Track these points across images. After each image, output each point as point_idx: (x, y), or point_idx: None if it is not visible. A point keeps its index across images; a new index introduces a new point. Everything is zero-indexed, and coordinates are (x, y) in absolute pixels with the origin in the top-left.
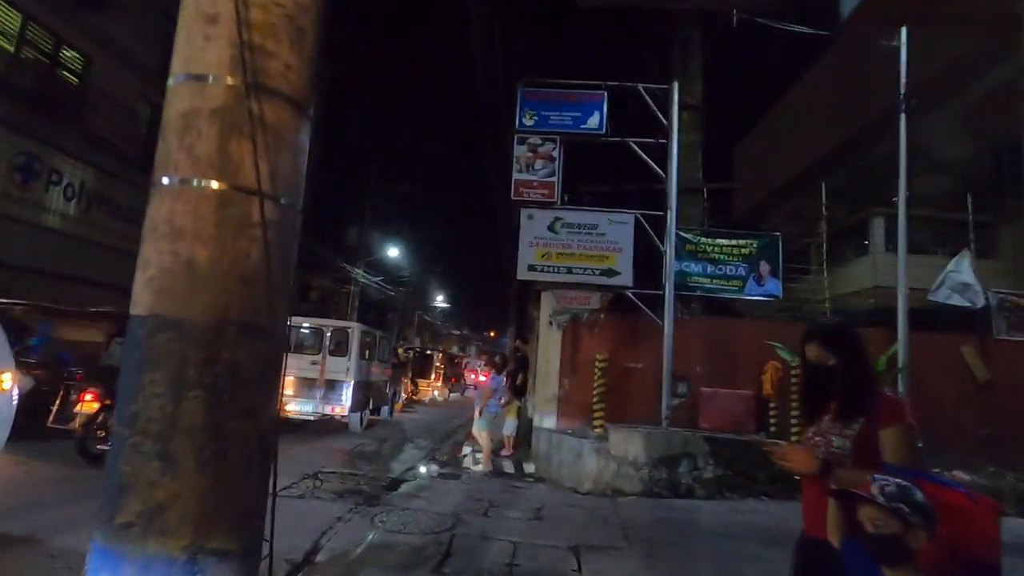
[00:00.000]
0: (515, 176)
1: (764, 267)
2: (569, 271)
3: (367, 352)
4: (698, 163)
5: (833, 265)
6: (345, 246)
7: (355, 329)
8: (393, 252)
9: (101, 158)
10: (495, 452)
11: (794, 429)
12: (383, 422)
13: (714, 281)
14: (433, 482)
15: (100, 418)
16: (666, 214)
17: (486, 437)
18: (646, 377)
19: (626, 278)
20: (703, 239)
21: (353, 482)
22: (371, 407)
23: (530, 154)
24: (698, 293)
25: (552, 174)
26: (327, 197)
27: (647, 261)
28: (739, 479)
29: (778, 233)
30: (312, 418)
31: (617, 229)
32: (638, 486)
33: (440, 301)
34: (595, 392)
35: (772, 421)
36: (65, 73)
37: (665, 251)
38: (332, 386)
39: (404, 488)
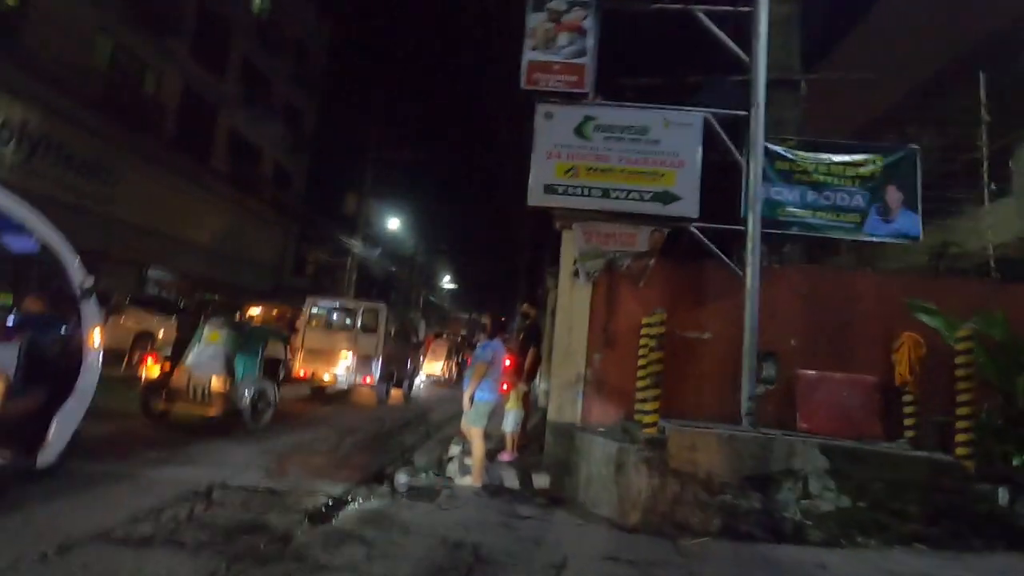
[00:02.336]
0: (527, 55)
1: (893, 195)
2: (605, 194)
3: (393, 331)
4: (795, 46)
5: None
6: (343, 216)
7: (383, 309)
8: (394, 224)
9: (49, 95)
10: (493, 455)
11: (960, 436)
12: (402, 397)
13: (818, 214)
14: (394, 505)
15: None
16: (748, 115)
17: (478, 437)
18: (714, 353)
19: (689, 206)
20: (802, 153)
21: (261, 506)
22: (394, 381)
23: (550, 24)
24: (794, 231)
25: (582, 53)
26: (324, 163)
27: (719, 184)
28: (877, 514)
29: (915, 146)
30: (346, 387)
31: (677, 134)
32: (714, 520)
33: (447, 283)
34: (643, 374)
35: (910, 422)
36: None
37: (747, 169)
38: (364, 360)
39: (341, 519)
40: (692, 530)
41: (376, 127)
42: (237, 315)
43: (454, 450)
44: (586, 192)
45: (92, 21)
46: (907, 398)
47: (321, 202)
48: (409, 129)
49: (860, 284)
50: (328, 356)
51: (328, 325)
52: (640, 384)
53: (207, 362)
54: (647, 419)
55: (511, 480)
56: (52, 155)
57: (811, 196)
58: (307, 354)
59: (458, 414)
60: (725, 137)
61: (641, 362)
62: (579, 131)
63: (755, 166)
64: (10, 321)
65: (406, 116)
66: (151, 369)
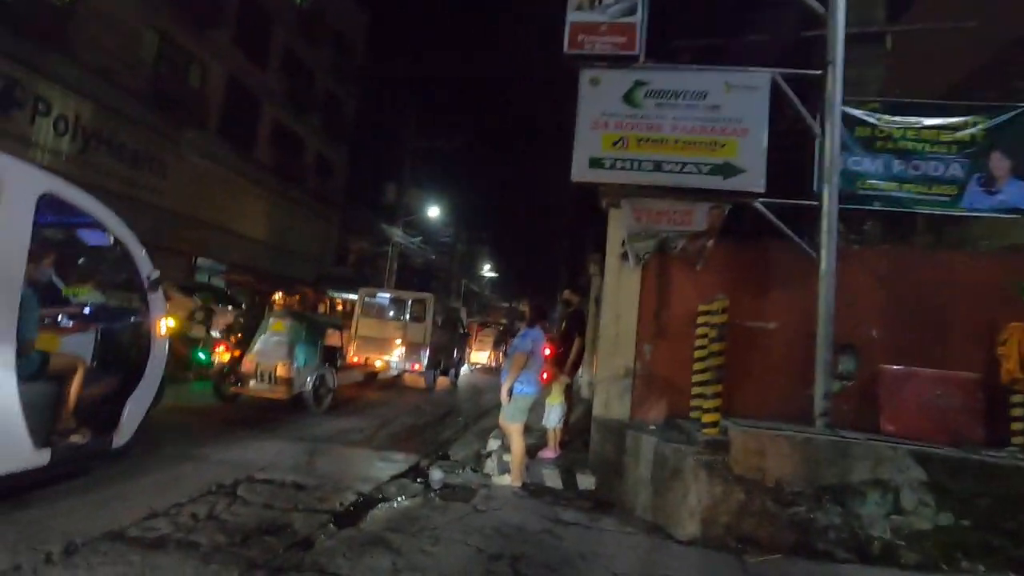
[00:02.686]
0: (570, 16)
1: (999, 162)
2: (657, 167)
3: (439, 320)
4: None
5: None
6: (383, 205)
7: (430, 300)
8: (434, 212)
9: (99, 89)
10: (534, 452)
11: None
12: (449, 384)
13: (905, 187)
14: (427, 506)
15: (230, 366)
16: (824, 74)
17: (517, 433)
18: (781, 345)
19: (753, 179)
20: (886, 117)
21: (286, 503)
22: (441, 368)
23: None
24: (876, 206)
25: (631, 11)
26: (365, 152)
27: (788, 155)
28: (985, 535)
29: None
30: (395, 373)
31: (740, 99)
32: (787, 534)
33: (487, 271)
34: (700, 367)
35: (1020, 426)
36: None
37: (822, 136)
38: (412, 347)
39: (369, 520)
40: (760, 545)
41: (415, 114)
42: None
43: (492, 444)
44: (636, 166)
45: (139, 15)
46: (1017, 398)
47: (362, 192)
48: (449, 116)
49: (957, 266)
50: (380, 344)
51: (379, 315)
52: (698, 379)
53: (273, 350)
54: (707, 418)
55: (553, 480)
56: (104, 147)
57: (897, 166)
58: (360, 342)
59: (500, 403)
60: (796, 100)
61: (698, 354)
62: (628, 98)
63: (831, 132)
64: (86, 311)
65: (445, 103)
66: (222, 356)
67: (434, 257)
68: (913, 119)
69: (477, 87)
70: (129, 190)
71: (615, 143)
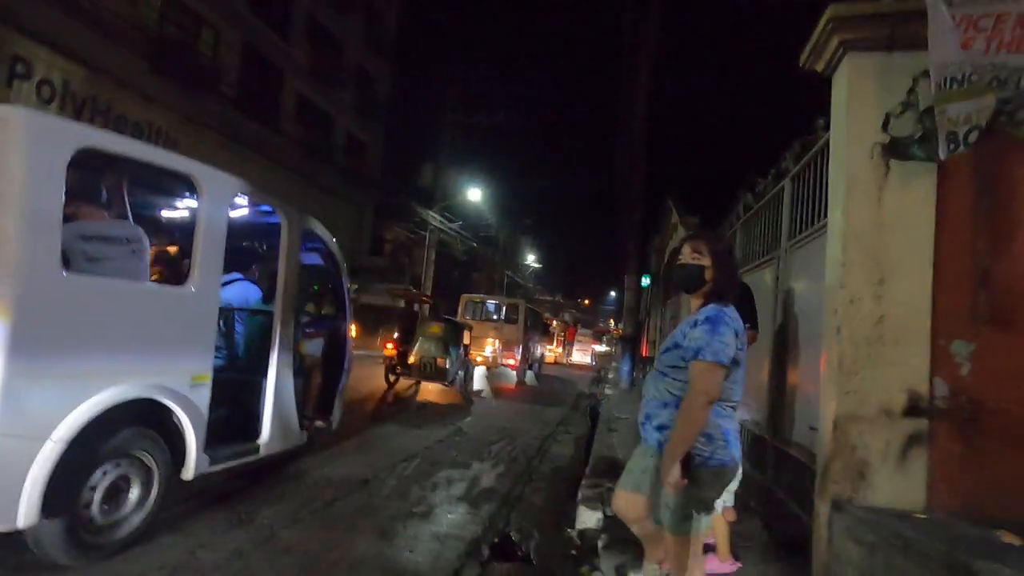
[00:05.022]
0: None
1: None
2: None
3: (528, 321)
4: None
5: None
6: (420, 189)
7: (522, 304)
8: (475, 195)
9: (94, 52)
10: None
11: None
12: (532, 377)
13: None
14: None
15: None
16: None
17: (685, 553)
18: None
19: None
20: None
21: None
22: (529, 363)
23: None
24: None
25: None
26: (400, 132)
27: None
28: None
29: None
30: (493, 367)
31: None
32: None
33: (532, 261)
34: None
35: None
36: None
37: None
38: (507, 345)
39: None
40: None
41: (454, 87)
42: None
43: (587, 518)
44: None
45: None
46: None
47: (397, 174)
48: (490, 89)
49: None
50: (480, 342)
51: (479, 317)
52: None
53: (432, 346)
54: None
55: None
56: (100, 118)
57: None
58: None
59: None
60: None
61: None
62: None
63: None
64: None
65: (486, 75)
66: (389, 351)
67: (475, 244)
68: None
69: (522, 54)
70: None
71: None
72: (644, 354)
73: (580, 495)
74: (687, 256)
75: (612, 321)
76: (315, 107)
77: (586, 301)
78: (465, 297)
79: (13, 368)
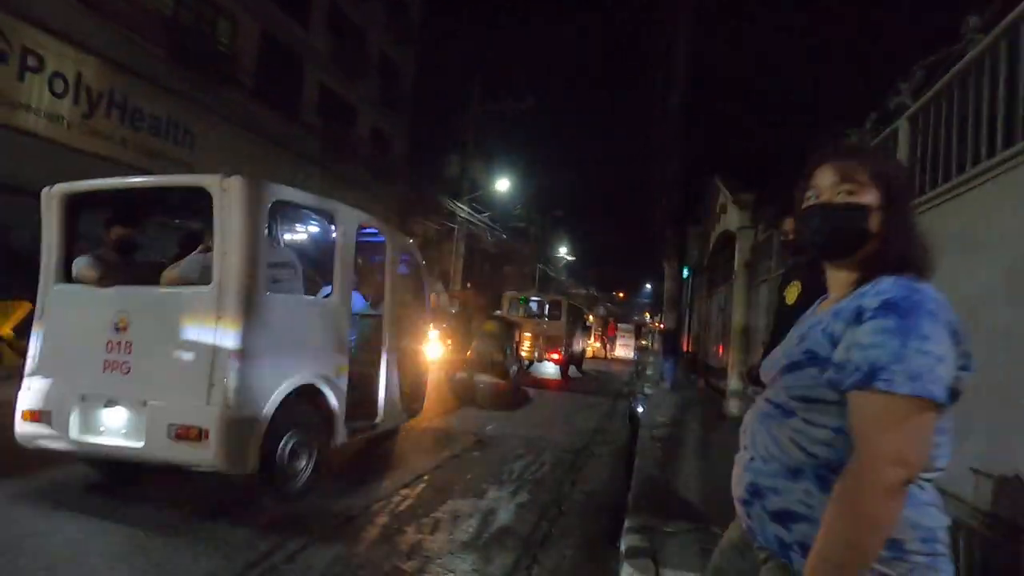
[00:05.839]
0: None
1: None
2: None
3: (571, 317)
4: None
5: None
6: (448, 181)
7: (564, 301)
8: (504, 186)
9: (107, 43)
10: None
11: None
12: (575, 371)
13: None
14: None
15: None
16: None
17: None
18: None
19: None
20: None
21: None
22: (571, 359)
23: None
24: None
25: None
26: (426, 124)
27: None
28: None
29: None
30: (538, 362)
31: None
32: None
33: (564, 253)
34: None
35: None
36: None
37: None
38: (550, 341)
39: None
40: None
41: (480, 74)
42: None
43: None
44: None
45: None
46: None
47: (424, 167)
48: (518, 73)
49: None
50: (524, 338)
51: (522, 313)
52: None
53: (489, 344)
54: None
55: None
56: (116, 111)
57: None
58: None
59: None
60: None
61: None
62: None
63: None
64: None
65: (513, 59)
66: (448, 349)
67: (505, 237)
68: None
69: (551, 32)
70: (150, 163)
71: None
72: (685, 349)
73: (623, 545)
74: (828, 191)
75: (647, 314)
76: (337, 97)
77: (621, 294)
78: (508, 295)
79: (243, 364)
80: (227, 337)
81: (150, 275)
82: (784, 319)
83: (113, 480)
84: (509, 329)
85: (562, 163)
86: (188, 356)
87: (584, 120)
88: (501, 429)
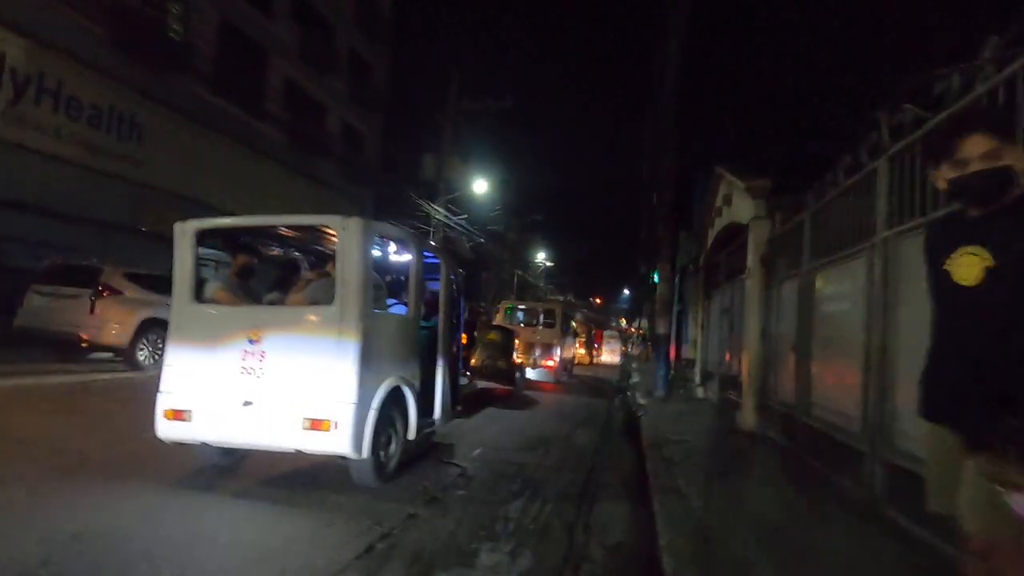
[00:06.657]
0: None
1: None
2: None
3: (564, 324)
4: None
5: None
6: (422, 182)
7: (558, 308)
8: (481, 188)
9: (37, 22)
10: None
11: None
12: (567, 376)
13: None
14: None
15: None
16: None
17: None
18: None
19: None
20: None
21: None
22: (564, 365)
23: None
24: None
25: None
26: (400, 122)
27: None
28: None
29: None
30: (533, 367)
31: None
32: None
33: (542, 259)
34: None
35: None
36: None
37: None
38: (545, 347)
39: None
40: None
41: (457, 72)
42: None
43: None
44: None
45: None
46: None
47: (397, 167)
48: (496, 71)
49: None
50: (520, 345)
51: (517, 320)
52: None
53: (492, 352)
54: None
55: None
56: (48, 99)
57: None
58: None
59: None
60: None
61: None
62: None
63: None
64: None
65: (491, 57)
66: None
67: (483, 240)
68: None
69: (532, 36)
70: (90, 158)
71: None
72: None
73: None
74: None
75: (623, 320)
76: (305, 93)
77: (598, 300)
78: (503, 303)
79: (360, 368)
80: (348, 346)
81: (266, 295)
82: (955, 309)
83: (237, 468)
84: (509, 338)
85: (542, 166)
86: (317, 362)
87: (565, 121)
88: (490, 453)
